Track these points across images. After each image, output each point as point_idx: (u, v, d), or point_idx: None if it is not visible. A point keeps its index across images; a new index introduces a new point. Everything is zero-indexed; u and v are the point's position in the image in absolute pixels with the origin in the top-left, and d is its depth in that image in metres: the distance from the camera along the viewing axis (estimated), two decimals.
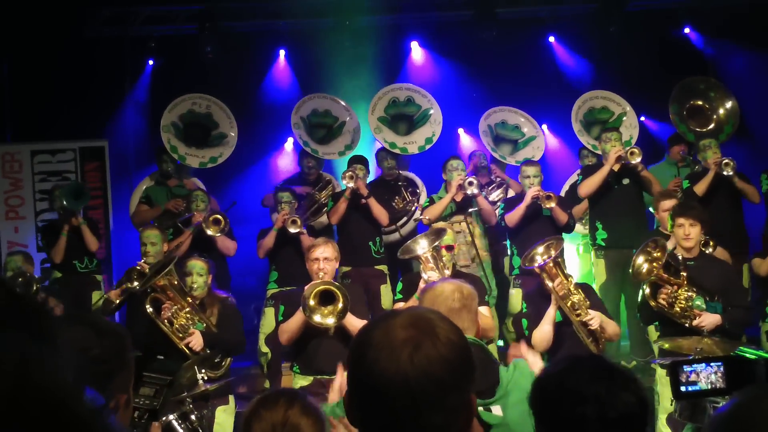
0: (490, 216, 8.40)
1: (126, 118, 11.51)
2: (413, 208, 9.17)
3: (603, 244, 8.26)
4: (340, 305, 5.98)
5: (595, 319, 5.76)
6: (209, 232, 8.21)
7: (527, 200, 8.08)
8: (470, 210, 8.16)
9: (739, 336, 6.33)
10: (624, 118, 9.55)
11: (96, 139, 10.64)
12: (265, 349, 8.26)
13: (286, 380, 8.11)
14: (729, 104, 9.49)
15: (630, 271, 6.17)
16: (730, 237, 7.79)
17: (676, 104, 9.43)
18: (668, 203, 7.22)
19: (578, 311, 5.75)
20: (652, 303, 5.99)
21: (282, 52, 11.70)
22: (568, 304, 5.75)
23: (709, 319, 5.90)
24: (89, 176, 10.17)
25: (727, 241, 7.46)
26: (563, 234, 8.57)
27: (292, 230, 8.26)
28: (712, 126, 9.40)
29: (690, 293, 5.96)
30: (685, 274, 6.00)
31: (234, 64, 11.37)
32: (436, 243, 6.06)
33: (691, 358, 4.72)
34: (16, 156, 10.25)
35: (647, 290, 6.05)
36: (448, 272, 6.04)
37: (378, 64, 11.43)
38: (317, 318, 5.97)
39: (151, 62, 11.57)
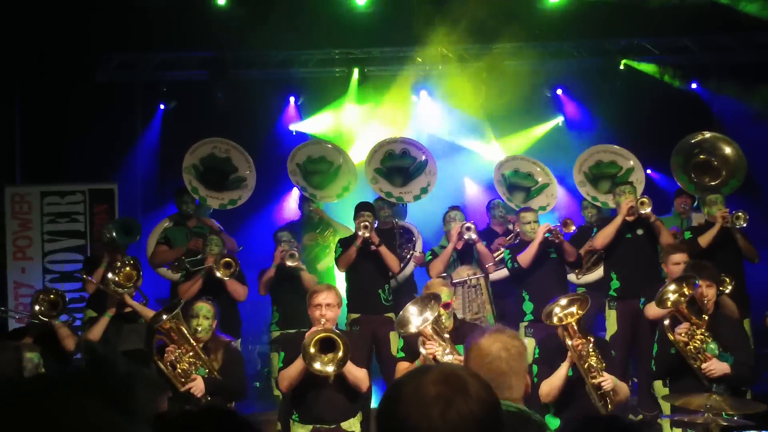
0: (488, 261, 8.42)
1: (136, 162, 11.60)
2: (408, 255, 9.20)
3: (615, 294, 8.25)
4: (341, 353, 5.87)
5: (608, 382, 5.68)
6: (218, 274, 8.18)
7: (539, 236, 8.07)
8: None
9: (744, 393, 6.32)
10: (632, 173, 9.60)
11: (106, 182, 10.69)
12: (276, 392, 8.21)
13: None
14: (727, 151, 9.49)
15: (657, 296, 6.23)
16: (731, 294, 7.79)
17: (680, 156, 9.47)
18: (678, 257, 7.24)
19: (593, 373, 5.72)
20: (670, 336, 6.01)
21: (292, 99, 11.82)
22: (585, 366, 5.71)
23: (719, 367, 5.93)
24: (98, 218, 10.19)
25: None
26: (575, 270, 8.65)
27: (290, 263, 8.26)
28: (719, 180, 9.42)
29: (707, 337, 6.02)
30: (707, 317, 6.05)
31: (245, 110, 11.50)
32: (435, 314, 5.81)
33: (742, 421, 4.70)
34: (26, 197, 10.29)
35: (666, 322, 6.07)
36: (447, 336, 5.86)
37: (387, 113, 11.56)
38: (317, 365, 5.87)
39: (162, 107, 11.68)
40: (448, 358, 5.73)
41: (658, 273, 8.33)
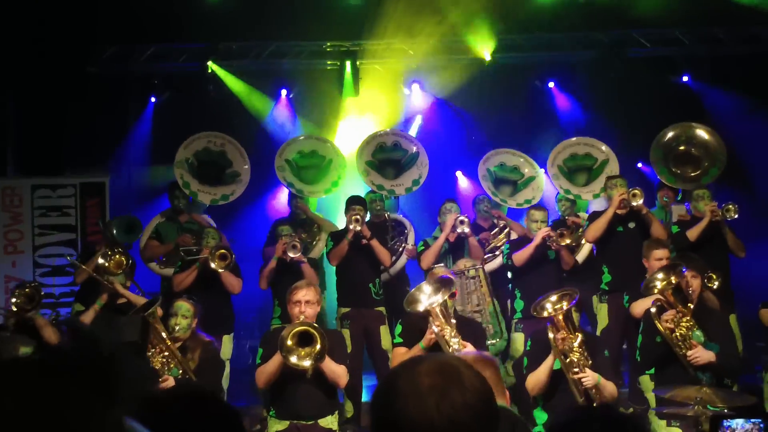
0: (477, 254, 8.44)
1: (128, 155, 11.57)
2: (400, 248, 9.22)
3: (606, 288, 8.26)
4: (318, 347, 5.85)
5: (589, 379, 5.70)
6: (213, 266, 8.16)
7: (537, 240, 8.08)
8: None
9: (731, 386, 6.35)
10: (606, 165, 9.63)
11: (97, 175, 10.65)
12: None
13: None
14: (705, 136, 9.50)
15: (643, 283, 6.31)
16: (716, 288, 7.80)
17: (659, 150, 9.49)
18: (660, 252, 7.23)
19: (575, 368, 5.74)
20: (656, 322, 6.04)
21: (284, 92, 11.80)
22: (567, 361, 5.74)
23: (704, 354, 5.96)
24: (89, 212, 10.18)
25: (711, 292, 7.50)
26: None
27: (291, 254, 8.24)
28: (699, 171, 9.44)
29: (692, 325, 6.05)
30: (692, 306, 6.09)
31: (236, 102, 11.48)
32: (446, 296, 6.00)
33: (730, 412, 4.72)
34: (16, 190, 10.25)
35: (653, 310, 6.10)
36: (454, 321, 6.04)
37: (379, 106, 11.55)
38: (293, 359, 5.83)
39: (153, 99, 11.64)
40: (454, 341, 5.86)
41: None
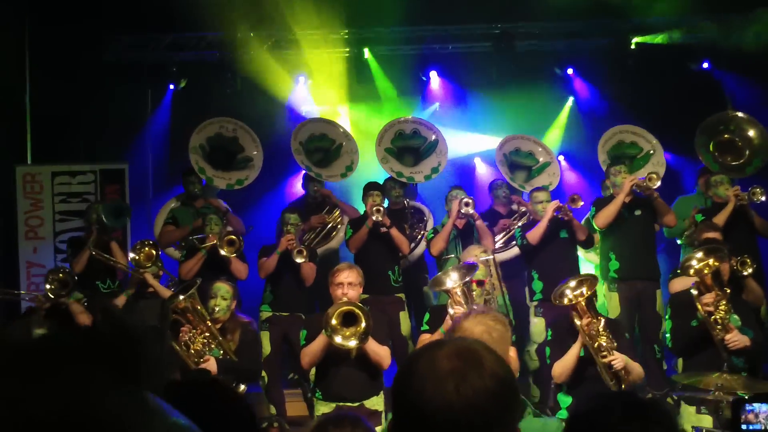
0: (487, 237, 8.40)
1: (147, 142, 11.62)
2: (420, 236, 9.20)
3: (615, 276, 8.23)
4: (363, 325, 5.87)
5: (618, 361, 5.73)
6: (223, 252, 8.19)
7: (549, 213, 8.07)
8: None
9: (757, 373, 6.35)
10: (651, 155, 9.54)
11: (116, 162, 10.71)
12: (262, 373, 8.22)
13: (291, 406, 8.08)
14: (751, 133, 9.44)
15: (680, 261, 6.28)
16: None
17: (704, 136, 9.39)
18: (713, 235, 7.24)
19: (603, 352, 5.75)
20: (698, 305, 6.03)
21: (302, 79, 11.80)
22: (595, 345, 5.75)
23: (741, 338, 5.99)
24: (109, 199, 10.22)
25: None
26: (585, 250, 8.68)
27: (298, 260, 8.15)
28: (742, 160, 9.35)
29: (729, 308, 6.05)
30: (729, 290, 6.08)
31: (254, 89, 11.48)
32: (468, 278, 5.99)
33: (752, 396, 4.73)
34: (36, 177, 10.32)
35: (695, 292, 6.08)
36: (475, 308, 6.01)
37: (397, 93, 11.54)
38: (338, 339, 5.86)
39: (171, 87, 11.68)
40: None
41: (656, 253, 8.35)
